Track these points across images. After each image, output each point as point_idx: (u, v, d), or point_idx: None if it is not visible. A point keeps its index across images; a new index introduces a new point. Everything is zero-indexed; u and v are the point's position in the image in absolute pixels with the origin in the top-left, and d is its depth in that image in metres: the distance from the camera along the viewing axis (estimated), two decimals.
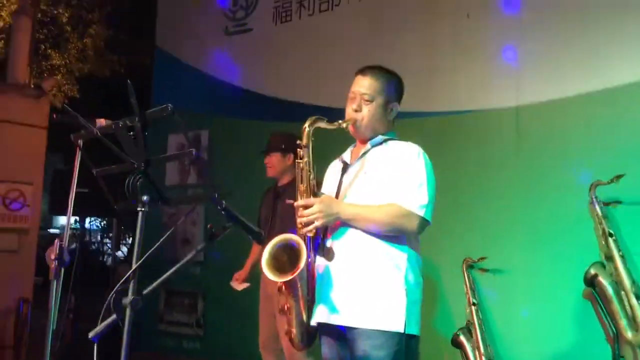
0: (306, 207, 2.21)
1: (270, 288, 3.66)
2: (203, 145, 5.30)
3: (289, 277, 2.13)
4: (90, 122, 2.18)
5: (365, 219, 2.21)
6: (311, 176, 2.27)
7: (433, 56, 4.13)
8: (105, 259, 14.29)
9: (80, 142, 2.28)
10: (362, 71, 2.41)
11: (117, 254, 13.39)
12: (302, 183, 2.27)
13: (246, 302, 4.76)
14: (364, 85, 2.36)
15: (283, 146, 3.75)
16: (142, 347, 5.43)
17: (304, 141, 2.26)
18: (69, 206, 2.37)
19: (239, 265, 4.04)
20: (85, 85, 10.03)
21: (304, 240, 2.20)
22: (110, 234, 14.20)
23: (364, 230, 2.23)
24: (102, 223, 15.13)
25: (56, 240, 2.31)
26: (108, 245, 14.62)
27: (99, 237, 15.40)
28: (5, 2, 8.42)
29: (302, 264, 2.10)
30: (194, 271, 5.21)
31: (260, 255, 3.89)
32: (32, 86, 5.95)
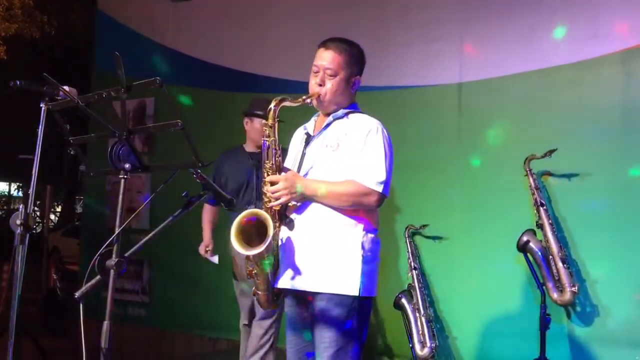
0: (272, 183, 2.32)
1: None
2: (148, 114, 5.23)
3: (258, 250, 2.24)
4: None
5: (327, 196, 2.33)
6: (277, 154, 2.38)
7: (381, 33, 4.24)
8: (34, 227, 13.78)
9: (44, 108, 2.28)
10: (325, 44, 2.43)
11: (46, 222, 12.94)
12: (268, 160, 2.38)
13: (191, 269, 4.84)
14: (326, 59, 2.40)
15: None
16: (87, 315, 5.38)
17: (270, 121, 2.35)
18: (34, 174, 2.37)
19: (184, 233, 4.02)
20: (13, 46, 9.63)
21: (270, 214, 2.32)
22: (38, 202, 13.66)
23: (324, 204, 2.35)
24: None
25: (21, 206, 2.31)
26: (36, 212, 14.09)
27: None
28: None
29: (270, 237, 2.22)
30: (139, 239, 5.19)
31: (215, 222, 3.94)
32: None
